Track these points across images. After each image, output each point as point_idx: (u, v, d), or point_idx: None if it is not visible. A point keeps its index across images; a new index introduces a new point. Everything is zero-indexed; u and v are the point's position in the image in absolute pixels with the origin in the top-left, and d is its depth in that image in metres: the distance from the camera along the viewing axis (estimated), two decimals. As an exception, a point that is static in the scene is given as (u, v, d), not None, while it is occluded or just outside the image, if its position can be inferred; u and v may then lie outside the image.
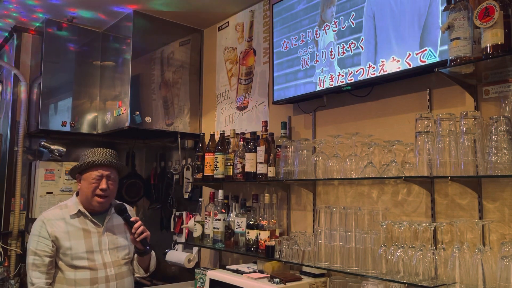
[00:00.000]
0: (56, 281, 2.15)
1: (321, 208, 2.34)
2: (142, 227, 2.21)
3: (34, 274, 2.10)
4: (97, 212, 2.29)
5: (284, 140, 2.64)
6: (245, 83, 3.29)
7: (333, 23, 2.45)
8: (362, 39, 2.28)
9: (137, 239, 2.20)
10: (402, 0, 2.12)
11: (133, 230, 2.19)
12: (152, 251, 2.36)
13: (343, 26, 2.40)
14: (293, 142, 2.51)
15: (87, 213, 2.25)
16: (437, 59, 1.96)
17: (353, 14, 2.35)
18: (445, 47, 1.89)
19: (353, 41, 2.33)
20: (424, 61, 2.02)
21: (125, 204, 2.33)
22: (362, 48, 2.28)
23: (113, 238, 2.29)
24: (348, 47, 2.36)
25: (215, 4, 3.33)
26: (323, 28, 2.52)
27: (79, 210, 2.24)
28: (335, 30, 2.44)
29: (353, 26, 2.34)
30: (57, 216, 2.21)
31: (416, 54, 2.05)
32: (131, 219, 2.22)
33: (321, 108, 2.68)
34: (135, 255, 2.36)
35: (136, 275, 2.40)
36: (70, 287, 2.13)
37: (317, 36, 2.55)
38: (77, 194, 2.31)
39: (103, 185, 2.22)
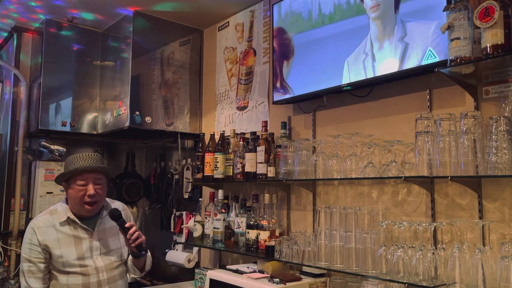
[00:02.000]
0: (50, 285, 2.13)
1: (321, 208, 2.34)
2: (137, 233, 2.16)
3: (31, 280, 2.07)
4: (88, 216, 2.24)
5: (284, 140, 2.64)
6: (245, 83, 3.29)
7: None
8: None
9: (132, 245, 2.16)
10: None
11: (128, 236, 2.15)
12: (148, 250, 2.34)
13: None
14: (293, 142, 2.51)
15: (77, 220, 2.19)
16: (437, 59, 1.96)
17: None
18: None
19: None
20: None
21: (119, 208, 2.29)
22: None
23: (105, 242, 2.24)
24: (347, 48, 2.36)
25: (215, 4, 3.33)
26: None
27: (68, 217, 2.18)
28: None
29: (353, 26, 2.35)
30: (47, 223, 2.16)
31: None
32: (126, 225, 2.17)
33: (321, 108, 2.68)
34: (130, 256, 2.34)
35: (132, 275, 2.38)
36: None
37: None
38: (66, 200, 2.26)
39: (91, 191, 2.15)
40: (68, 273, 2.12)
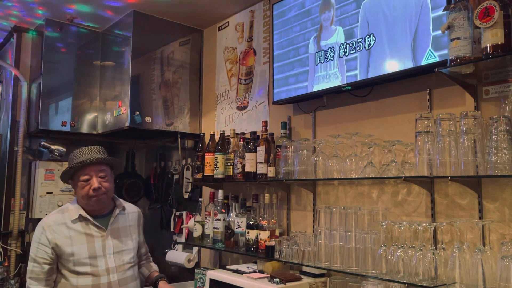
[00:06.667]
0: (59, 287, 2.10)
1: (321, 208, 2.34)
2: None
3: (33, 282, 2.06)
4: (101, 214, 2.21)
5: (284, 140, 2.64)
6: (245, 83, 3.29)
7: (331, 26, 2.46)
8: (361, 40, 2.29)
9: None
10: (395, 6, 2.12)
11: None
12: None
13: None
14: (293, 142, 2.51)
15: (89, 217, 2.16)
16: (437, 59, 1.96)
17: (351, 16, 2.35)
18: (438, 53, 1.93)
19: (353, 42, 2.34)
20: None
21: (134, 211, 2.37)
22: (361, 50, 2.28)
23: (118, 241, 2.21)
24: (347, 49, 2.36)
25: (215, 4, 3.33)
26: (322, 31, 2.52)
27: (80, 215, 2.15)
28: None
29: (351, 28, 2.35)
30: (58, 221, 2.13)
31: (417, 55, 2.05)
32: None
33: (321, 108, 2.68)
34: (144, 263, 2.47)
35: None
36: None
37: (317, 38, 2.55)
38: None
39: (95, 184, 2.11)
40: (78, 273, 2.08)
